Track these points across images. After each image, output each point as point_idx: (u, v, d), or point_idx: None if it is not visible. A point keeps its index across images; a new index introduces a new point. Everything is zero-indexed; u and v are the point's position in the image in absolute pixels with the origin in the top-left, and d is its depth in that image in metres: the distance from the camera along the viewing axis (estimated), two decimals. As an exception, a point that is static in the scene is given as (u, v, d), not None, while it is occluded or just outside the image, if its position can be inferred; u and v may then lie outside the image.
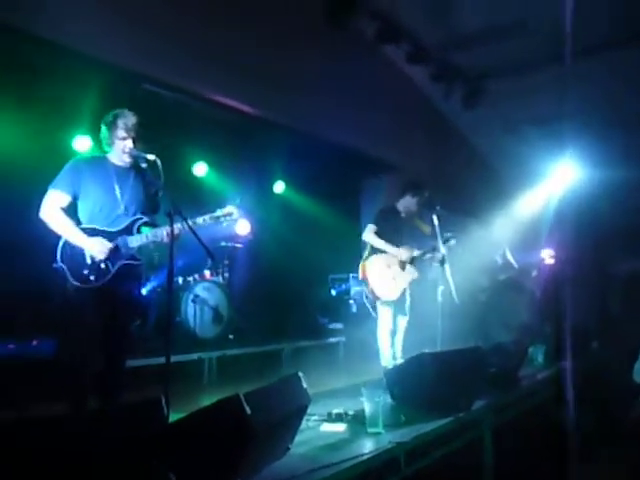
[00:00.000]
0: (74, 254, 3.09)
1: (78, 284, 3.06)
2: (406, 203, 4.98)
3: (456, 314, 4.78)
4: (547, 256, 8.06)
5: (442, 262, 4.74)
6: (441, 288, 4.68)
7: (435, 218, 4.82)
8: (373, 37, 6.22)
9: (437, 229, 4.79)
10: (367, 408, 2.85)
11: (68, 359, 3.17)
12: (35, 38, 4.17)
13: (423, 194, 4.98)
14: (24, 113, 4.91)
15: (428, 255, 4.90)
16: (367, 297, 4.92)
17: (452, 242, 4.89)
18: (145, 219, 3.27)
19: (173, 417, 2.18)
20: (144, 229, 3.24)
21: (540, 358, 5.21)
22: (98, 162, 3.25)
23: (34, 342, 4.42)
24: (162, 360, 2.79)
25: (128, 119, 3.18)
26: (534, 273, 7.67)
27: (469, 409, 3.34)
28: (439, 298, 4.67)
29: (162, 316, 5.64)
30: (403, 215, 5.00)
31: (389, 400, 3.25)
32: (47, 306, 3.28)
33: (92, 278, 3.08)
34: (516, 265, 6.96)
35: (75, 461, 1.65)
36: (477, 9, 6.29)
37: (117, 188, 3.20)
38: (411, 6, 6.24)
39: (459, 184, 7.87)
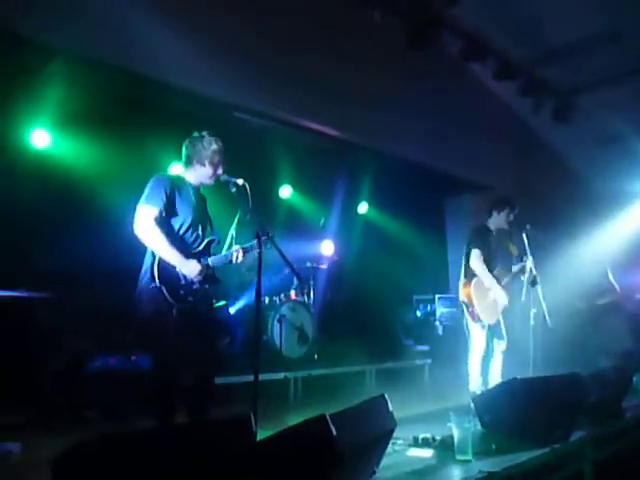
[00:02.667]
0: (170, 274, 3.14)
1: (176, 304, 3.12)
2: (496, 221, 4.82)
3: (550, 338, 4.53)
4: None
5: (533, 283, 4.55)
6: (533, 311, 4.47)
7: (525, 237, 4.65)
8: (458, 55, 6.13)
9: (527, 248, 4.61)
10: (456, 434, 2.75)
11: (158, 375, 3.29)
12: (132, 74, 4.49)
13: (513, 210, 4.79)
14: (125, 143, 5.29)
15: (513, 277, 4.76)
16: (465, 319, 4.77)
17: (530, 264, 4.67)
18: (216, 240, 3.39)
19: (260, 435, 2.22)
20: (215, 249, 3.38)
21: (646, 388, 4.80)
22: (180, 182, 3.35)
23: (133, 357, 4.68)
24: (249, 378, 2.86)
25: (220, 144, 3.30)
26: (637, 295, 7.13)
27: (566, 440, 3.14)
28: (531, 321, 4.47)
29: (249, 335, 5.79)
30: (495, 234, 4.85)
31: (479, 427, 3.13)
32: (146, 325, 3.46)
33: (190, 299, 3.16)
34: (618, 287, 6.51)
35: (166, 474, 1.72)
36: (566, 21, 6.05)
37: (196, 209, 3.32)
38: (496, 22, 6.12)
39: (551, 201, 7.52)
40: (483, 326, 4.65)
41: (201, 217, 3.36)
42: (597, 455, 3.35)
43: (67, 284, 4.97)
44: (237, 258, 3.27)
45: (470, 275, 4.69)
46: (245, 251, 3.28)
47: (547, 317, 4.40)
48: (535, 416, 3.04)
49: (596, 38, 6.07)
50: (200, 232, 3.33)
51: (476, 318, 4.61)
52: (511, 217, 4.78)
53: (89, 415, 4.19)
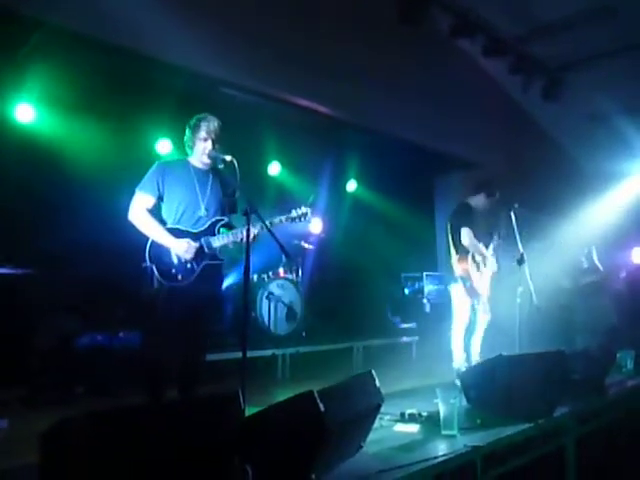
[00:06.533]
0: (161, 254, 3.24)
1: (166, 283, 3.20)
2: (478, 201, 4.96)
3: (536, 316, 4.59)
4: (637, 256, 7.55)
5: (520, 261, 4.58)
6: (520, 289, 4.52)
7: (512, 216, 4.68)
8: (447, 31, 6.06)
9: (515, 227, 4.65)
10: (442, 410, 2.79)
11: (150, 352, 3.31)
12: (117, 48, 4.40)
13: (494, 194, 4.95)
14: (110, 119, 5.21)
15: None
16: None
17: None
18: (225, 220, 3.40)
19: (248, 411, 2.23)
20: (223, 230, 3.36)
21: (629, 364, 4.88)
22: (180, 165, 3.40)
23: (120, 334, 4.68)
24: (237, 355, 2.87)
25: (210, 122, 3.32)
26: (622, 274, 7.22)
27: (550, 416, 3.20)
28: (517, 299, 4.51)
29: (238, 312, 5.80)
30: (475, 211, 4.97)
31: (464, 403, 3.18)
32: (135, 302, 3.46)
33: (180, 277, 3.23)
34: (602, 267, 6.58)
35: (154, 450, 1.73)
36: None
37: (198, 190, 3.33)
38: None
39: (540, 180, 7.54)
40: (467, 300, 4.77)
41: (208, 198, 3.35)
42: (580, 430, 3.42)
43: (53, 261, 4.93)
44: (242, 239, 3.26)
45: (463, 250, 4.80)
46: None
47: (534, 295, 4.45)
48: (520, 392, 3.09)
49: (586, 14, 6.02)
50: (204, 212, 3.33)
51: (474, 293, 4.77)
52: (491, 202, 4.95)
53: (78, 391, 4.19)
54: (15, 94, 4.89)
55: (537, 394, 3.16)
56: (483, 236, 4.93)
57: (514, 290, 4.54)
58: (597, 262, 6.68)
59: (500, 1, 6.13)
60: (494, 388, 3.15)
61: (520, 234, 4.61)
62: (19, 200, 5.01)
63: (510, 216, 4.66)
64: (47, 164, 5.05)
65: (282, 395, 2.37)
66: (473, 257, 4.83)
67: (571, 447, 3.30)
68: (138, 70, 4.85)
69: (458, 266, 4.81)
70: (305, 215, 3.38)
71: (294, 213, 3.37)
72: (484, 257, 4.89)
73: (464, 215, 4.89)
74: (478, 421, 2.95)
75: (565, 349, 3.55)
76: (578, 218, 7.10)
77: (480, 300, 4.85)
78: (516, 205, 4.73)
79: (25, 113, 4.99)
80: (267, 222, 3.17)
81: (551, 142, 8.55)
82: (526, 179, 7.21)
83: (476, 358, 4.77)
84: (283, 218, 3.34)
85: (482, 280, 4.87)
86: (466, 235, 4.75)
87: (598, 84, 7.01)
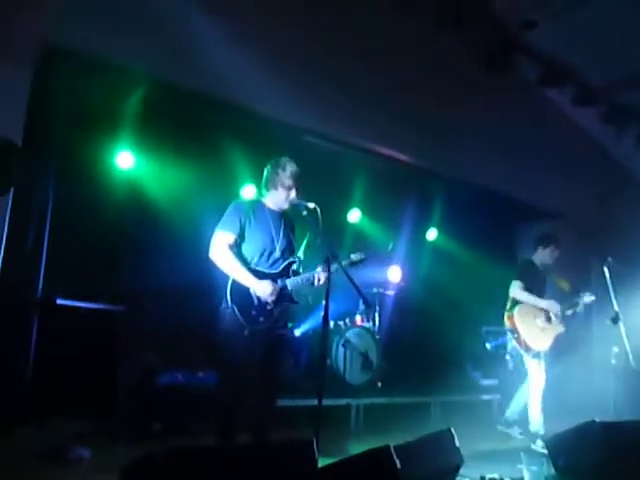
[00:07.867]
0: (243, 295, 3.25)
1: (247, 325, 3.21)
2: (540, 256, 5.03)
3: (634, 379, 4.23)
4: None
5: (615, 320, 4.30)
6: (615, 349, 4.21)
7: (606, 270, 4.43)
8: (535, 81, 5.97)
9: (609, 282, 4.38)
10: (527, 477, 2.61)
11: (225, 395, 3.33)
12: (209, 99, 4.68)
13: (556, 246, 5.00)
14: (199, 165, 5.51)
15: (569, 311, 4.82)
16: (513, 349, 4.97)
17: (587, 299, 4.77)
18: (296, 262, 3.44)
19: (321, 461, 2.18)
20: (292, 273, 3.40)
21: None
22: (257, 206, 3.47)
23: (200, 374, 4.78)
24: (310, 402, 2.83)
25: (294, 169, 3.39)
26: None
27: (651, 493, 2.89)
28: (612, 361, 4.20)
29: (313, 358, 5.77)
30: (541, 269, 5.03)
31: (552, 471, 2.95)
32: (213, 343, 3.54)
33: (261, 319, 3.24)
34: None
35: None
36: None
37: (273, 232, 3.39)
38: (575, 46, 5.92)
39: (636, 233, 7.09)
40: (538, 357, 4.72)
41: (281, 240, 3.41)
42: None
43: (141, 298, 5.17)
44: (319, 280, 3.30)
45: (512, 304, 4.88)
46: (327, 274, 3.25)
47: (630, 357, 4.12)
48: (615, 463, 2.83)
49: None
50: (279, 254, 3.39)
51: (523, 345, 4.73)
52: (556, 253, 4.99)
53: (155, 428, 4.29)
54: (117, 142, 5.30)
55: (635, 467, 2.88)
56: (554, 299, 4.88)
57: (609, 350, 4.23)
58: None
59: (589, 49, 5.97)
60: (586, 457, 2.90)
61: (615, 290, 4.33)
62: (113, 240, 5.35)
63: (603, 271, 4.41)
64: (140, 207, 5.38)
65: (355, 447, 2.31)
66: (527, 311, 4.78)
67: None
68: (227, 119, 5.12)
69: (506, 319, 4.89)
70: (362, 261, 3.41)
71: (353, 258, 3.38)
72: (549, 314, 4.77)
73: (521, 270, 4.97)
74: (568, 492, 2.72)
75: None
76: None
77: (542, 356, 4.75)
78: (610, 259, 4.48)
79: (125, 160, 5.38)
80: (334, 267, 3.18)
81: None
82: (621, 232, 6.80)
83: (515, 410, 4.80)
84: (343, 263, 3.32)
85: (541, 336, 4.73)
86: (515, 287, 4.84)
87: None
